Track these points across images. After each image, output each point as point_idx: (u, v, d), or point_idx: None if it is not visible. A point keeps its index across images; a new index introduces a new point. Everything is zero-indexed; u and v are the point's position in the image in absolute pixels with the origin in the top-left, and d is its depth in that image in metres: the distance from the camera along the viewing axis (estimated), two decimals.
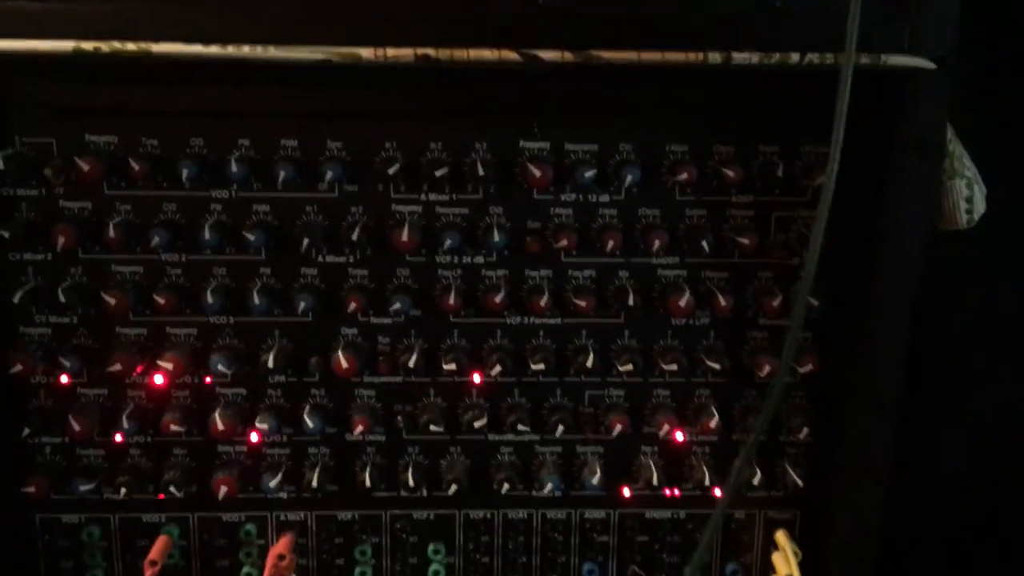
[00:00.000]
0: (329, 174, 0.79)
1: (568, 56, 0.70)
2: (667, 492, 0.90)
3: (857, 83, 0.71)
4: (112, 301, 0.80)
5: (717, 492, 0.89)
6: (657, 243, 0.81)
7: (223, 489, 0.85)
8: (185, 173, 0.78)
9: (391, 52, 0.70)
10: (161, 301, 0.81)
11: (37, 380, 0.85)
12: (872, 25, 0.69)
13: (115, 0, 0.69)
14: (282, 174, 0.78)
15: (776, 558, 0.91)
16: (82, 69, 0.75)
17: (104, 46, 0.69)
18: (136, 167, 0.78)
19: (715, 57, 0.70)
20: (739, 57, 0.70)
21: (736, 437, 0.89)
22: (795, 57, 0.71)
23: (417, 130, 0.81)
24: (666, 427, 0.86)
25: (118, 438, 0.86)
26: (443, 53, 0.70)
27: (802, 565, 0.88)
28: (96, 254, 0.82)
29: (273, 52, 0.69)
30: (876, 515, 0.86)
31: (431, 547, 0.92)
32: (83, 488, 0.85)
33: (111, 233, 0.79)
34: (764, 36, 0.71)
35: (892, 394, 0.82)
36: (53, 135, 0.79)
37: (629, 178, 0.80)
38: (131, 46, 0.68)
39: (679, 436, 0.88)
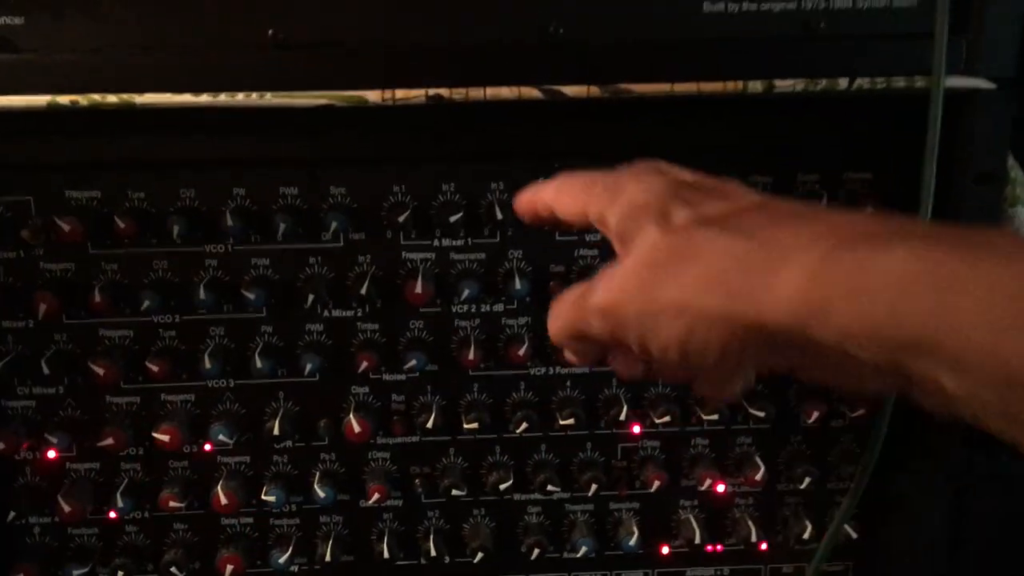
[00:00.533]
0: (333, 223, 0.72)
1: (594, 91, 0.64)
2: (708, 548, 0.83)
3: (909, 106, 0.65)
4: (101, 370, 0.73)
5: (763, 546, 0.82)
6: None
7: (229, 568, 0.78)
8: (176, 228, 0.71)
9: (400, 94, 0.63)
10: (155, 367, 0.74)
11: (22, 457, 0.78)
12: (928, 44, 0.63)
13: (93, 49, 0.62)
14: (282, 225, 0.72)
15: None
16: (59, 122, 0.68)
17: (82, 99, 0.62)
18: (122, 224, 0.71)
19: (756, 86, 0.64)
20: (782, 85, 0.64)
21: (782, 487, 0.83)
22: (843, 83, 0.65)
23: (428, 172, 0.74)
24: (708, 481, 0.79)
25: (112, 515, 0.79)
26: (457, 93, 0.63)
27: None
28: (82, 319, 0.75)
29: (271, 99, 0.62)
30: (939, 566, 0.80)
31: None
32: (77, 572, 0.78)
33: (97, 296, 0.72)
34: (808, 62, 0.65)
35: (953, 437, 0.76)
36: (30, 192, 0.73)
37: None
38: (112, 98, 0.62)
39: (720, 488, 0.81)
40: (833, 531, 0.66)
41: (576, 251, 0.77)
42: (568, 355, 0.56)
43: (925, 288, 0.37)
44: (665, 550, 0.84)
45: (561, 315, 0.52)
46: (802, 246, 0.42)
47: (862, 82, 0.64)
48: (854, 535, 0.81)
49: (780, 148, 0.75)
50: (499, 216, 0.72)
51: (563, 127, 0.71)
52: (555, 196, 0.57)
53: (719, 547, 0.84)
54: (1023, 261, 0.36)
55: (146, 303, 0.72)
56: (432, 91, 0.63)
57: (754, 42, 0.65)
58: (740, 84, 0.64)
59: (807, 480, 0.80)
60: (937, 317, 0.36)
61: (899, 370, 0.39)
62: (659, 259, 0.46)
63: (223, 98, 0.63)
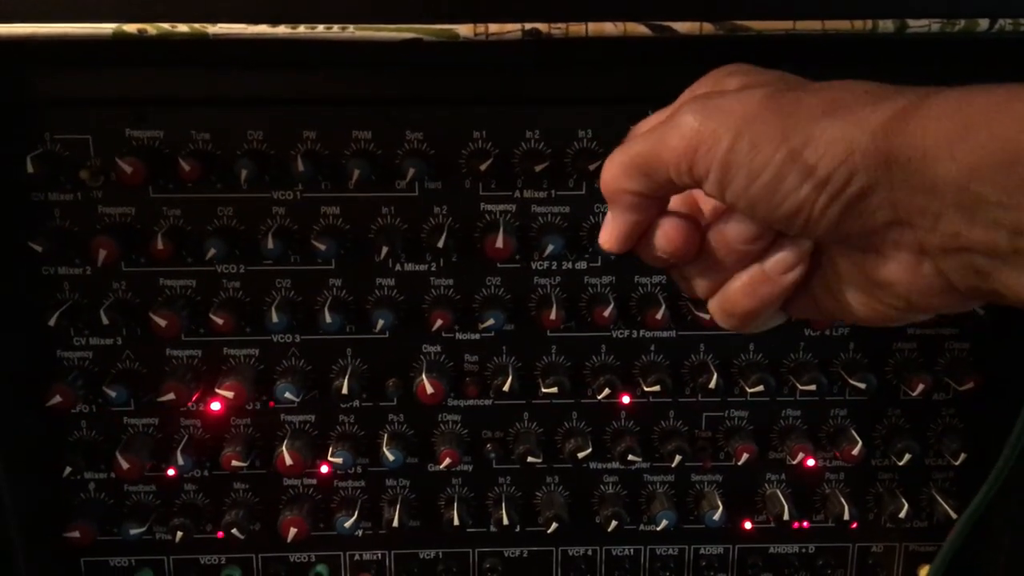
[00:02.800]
0: (409, 170, 0.67)
1: (707, 28, 0.58)
2: (795, 524, 0.79)
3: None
4: (162, 321, 0.69)
5: (854, 525, 0.78)
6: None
7: (292, 531, 0.74)
8: (242, 172, 0.67)
9: (494, 28, 0.58)
10: (218, 320, 0.70)
11: (78, 410, 0.74)
12: None
13: None
14: (355, 171, 0.67)
15: None
16: (124, 53, 0.64)
17: (151, 28, 0.57)
18: (186, 166, 0.66)
19: (887, 26, 0.58)
20: (916, 25, 0.58)
21: (876, 462, 0.78)
22: (983, 24, 0.58)
23: (512, 117, 0.69)
24: (800, 455, 0.74)
25: (171, 474, 0.75)
26: (556, 28, 0.58)
27: None
28: (142, 267, 0.71)
29: (354, 32, 0.57)
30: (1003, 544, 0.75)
31: None
32: (133, 532, 0.75)
33: (158, 243, 0.68)
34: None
35: None
36: (89, 131, 0.68)
37: None
38: (183, 28, 0.57)
39: (811, 462, 0.76)
40: (972, 511, 0.61)
41: None
42: (609, 220, 0.47)
43: None
44: (748, 525, 0.79)
45: (632, 142, 0.45)
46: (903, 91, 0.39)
47: (1005, 23, 0.58)
48: (953, 515, 0.76)
49: None
50: (586, 166, 0.67)
51: (667, 70, 0.65)
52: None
53: (806, 524, 0.79)
54: None
55: (210, 251, 0.68)
56: (529, 25, 0.58)
57: None
58: (869, 23, 0.58)
59: (907, 456, 0.74)
60: None
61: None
62: (784, 88, 0.42)
63: (302, 30, 0.57)
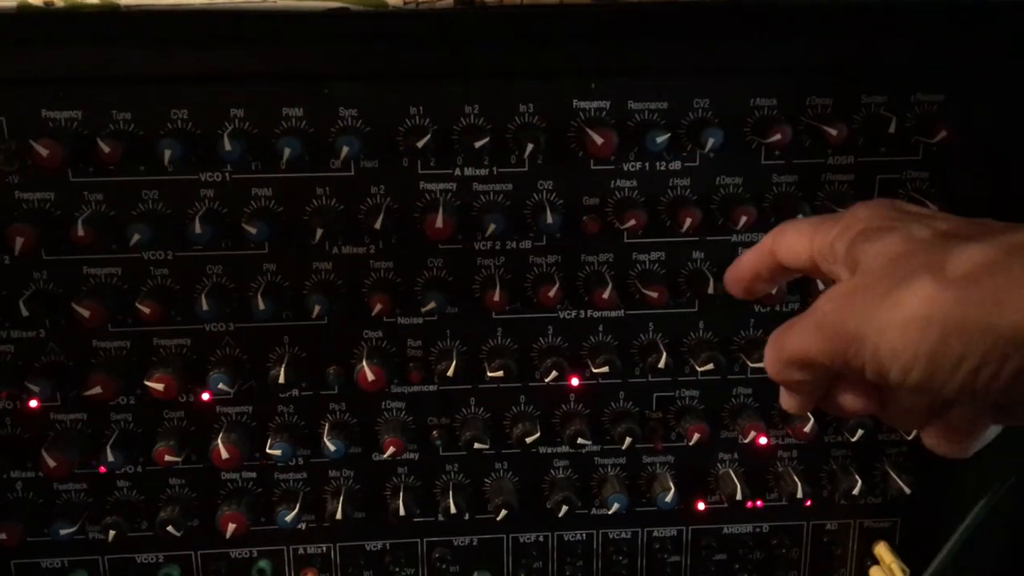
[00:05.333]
0: (344, 149, 0.64)
1: None
2: (748, 504, 0.77)
3: (988, 15, 0.58)
4: (85, 312, 0.65)
5: (808, 503, 0.77)
6: (743, 219, 0.67)
7: (231, 527, 0.72)
8: (167, 154, 0.63)
9: None
10: (146, 309, 0.66)
11: (1, 406, 0.70)
12: None
13: None
14: (286, 151, 0.64)
15: (876, 574, 0.79)
16: (32, 28, 0.60)
17: (58, 0, 0.53)
18: (106, 148, 0.63)
19: None
20: None
21: (829, 439, 0.77)
22: None
23: (450, 92, 0.66)
24: (752, 433, 0.73)
25: (102, 470, 0.72)
26: None
27: None
28: (64, 255, 0.68)
29: (276, 2, 0.54)
30: (997, 533, 0.74)
31: None
32: (64, 532, 0.71)
33: (80, 229, 0.64)
34: None
35: None
36: (2, 112, 0.64)
37: (710, 141, 0.65)
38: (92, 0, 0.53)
39: (763, 440, 0.75)
40: (978, 512, 0.59)
41: (613, 182, 0.69)
42: (785, 396, 0.51)
43: None
44: (701, 506, 0.78)
45: (783, 338, 0.48)
46: None
47: None
48: (907, 490, 0.75)
49: (842, 66, 0.68)
50: (528, 142, 0.65)
51: (606, 41, 0.64)
52: (777, 239, 0.55)
53: (759, 503, 0.78)
54: None
55: (135, 237, 0.64)
56: None
57: None
58: None
59: (860, 432, 0.73)
60: None
61: None
62: (903, 269, 0.42)
63: (220, 0, 0.54)
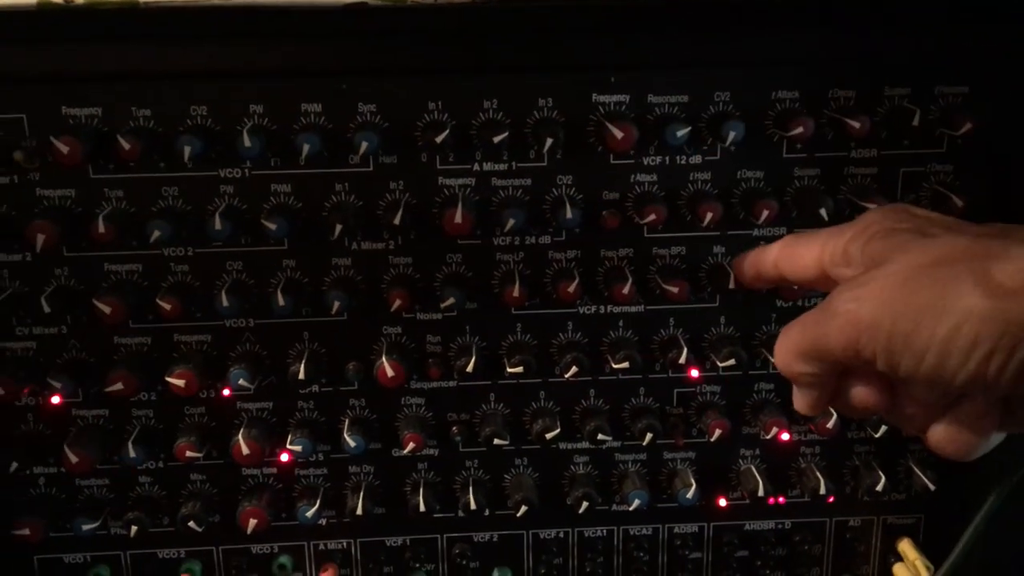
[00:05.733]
0: (363, 144, 0.64)
1: None
2: (770, 500, 0.77)
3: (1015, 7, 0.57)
4: (107, 308, 0.66)
5: (831, 499, 0.76)
6: (764, 213, 0.67)
7: (252, 522, 0.72)
8: (187, 150, 0.63)
9: None
10: (166, 305, 0.66)
11: (23, 402, 0.71)
12: None
13: None
14: (305, 147, 0.64)
15: (900, 571, 0.78)
16: (52, 26, 0.60)
17: None
18: (126, 145, 0.63)
19: None
20: None
21: (852, 435, 0.76)
22: None
23: (469, 87, 0.66)
24: (773, 429, 0.72)
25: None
26: None
27: None
28: (84, 251, 0.68)
29: None
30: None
31: (496, 573, 0.79)
32: (86, 527, 0.72)
33: (100, 226, 0.64)
34: None
35: None
36: (22, 109, 0.64)
37: (731, 134, 0.65)
38: None
39: (785, 436, 0.74)
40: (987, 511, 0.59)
41: (632, 176, 0.69)
42: (797, 395, 0.52)
43: None
44: (723, 503, 0.77)
45: (794, 331, 0.49)
46: None
47: None
48: (932, 487, 0.74)
49: (865, 58, 0.67)
50: (547, 136, 0.64)
51: (625, 34, 0.63)
52: (783, 251, 0.57)
53: (782, 499, 0.78)
54: None
55: (155, 234, 0.65)
56: None
57: None
58: None
59: (883, 428, 0.73)
60: None
61: None
62: (921, 263, 0.44)
63: None
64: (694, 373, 0.73)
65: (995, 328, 0.40)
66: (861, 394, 0.49)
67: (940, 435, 0.48)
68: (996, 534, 0.70)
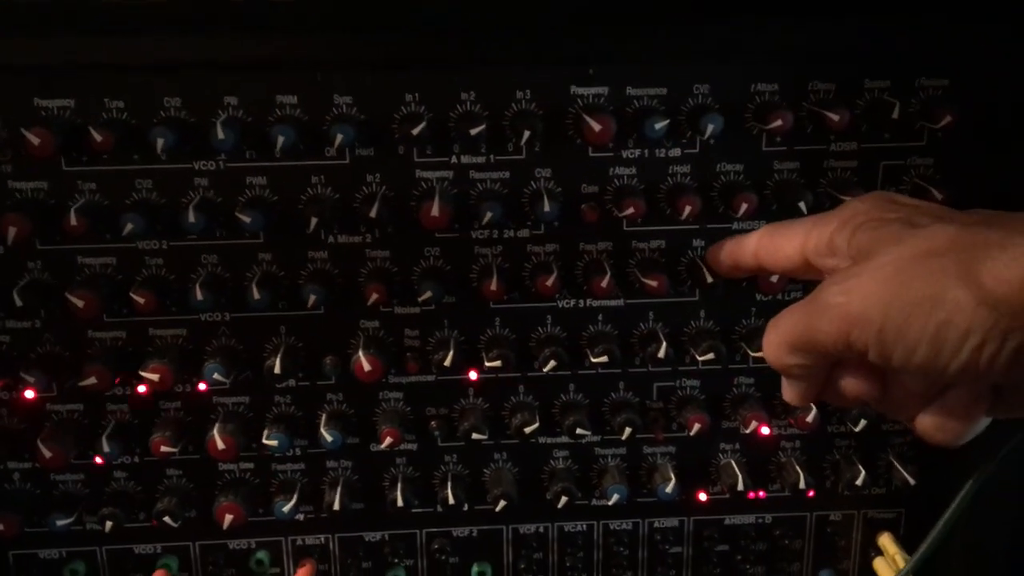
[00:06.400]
0: (339, 137, 0.63)
1: None
2: (750, 494, 0.76)
3: None
4: (79, 302, 0.65)
5: (811, 493, 0.76)
6: (743, 206, 0.66)
7: (228, 518, 0.71)
8: (160, 142, 0.63)
9: None
10: (140, 299, 0.66)
11: None
12: None
13: None
14: (280, 139, 0.63)
15: (880, 565, 0.78)
16: (20, 18, 0.59)
17: None
18: (98, 137, 0.62)
19: None
20: None
21: (832, 429, 0.76)
22: None
23: (446, 78, 0.65)
24: (753, 423, 0.72)
25: (99, 461, 0.72)
26: None
27: None
28: (57, 245, 0.67)
29: None
30: (1006, 517, 0.73)
31: (475, 568, 0.79)
32: (60, 523, 0.71)
33: (73, 219, 0.63)
34: None
35: None
36: None
37: (710, 127, 0.64)
38: None
39: (765, 431, 0.74)
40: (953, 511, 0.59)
41: (612, 169, 0.68)
42: (787, 386, 0.52)
43: None
44: (703, 497, 0.77)
45: (784, 322, 0.49)
46: None
47: None
48: (912, 481, 0.74)
49: (845, 51, 0.66)
50: (525, 128, 0.64)
51: (604, 26, 0.63)
52: (763, 242, 0.57)
53: (762, 494, 0.77)
54: None
55: (129, 227, 0.64)
56: None
57: None
58: None
59: (863, 422, 0.72)
60: None
61: None
62: (910, 254, 0.44)
63: None
64: (674, 368, 0.73)
65: (986, 318, 0.40)
66: (852, 384, 0.49)
67: (930, 422, 0.48)
68: (977, 516, 0.70)
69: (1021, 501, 0.74)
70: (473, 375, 0.72)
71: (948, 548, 0.75)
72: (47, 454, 0.68)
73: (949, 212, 0.48)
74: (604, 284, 0.67)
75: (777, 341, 0.50)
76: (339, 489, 0.73)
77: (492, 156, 0.68)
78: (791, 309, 0.49)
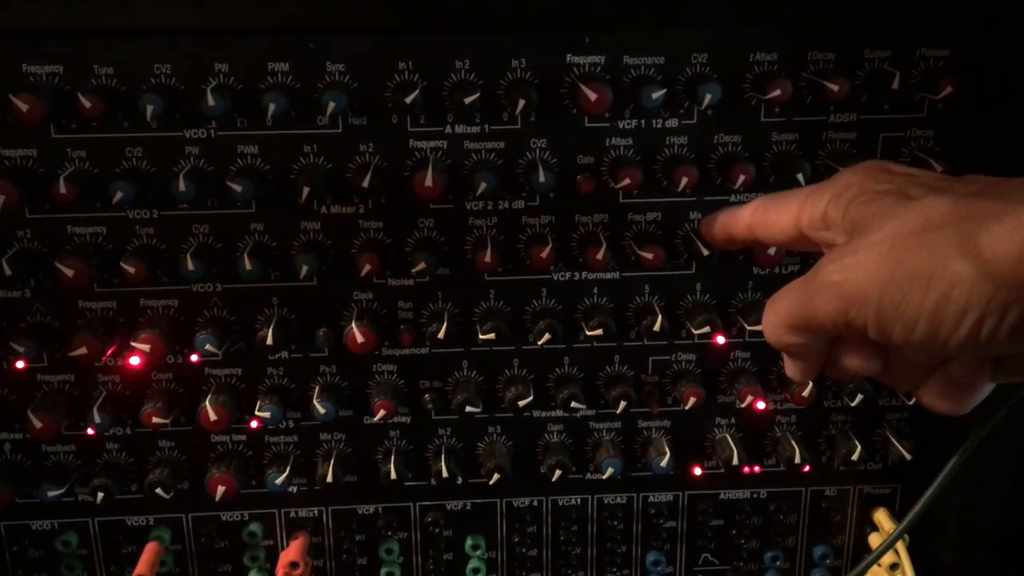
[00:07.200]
0: (331, 105, 0.62)
1: None
2: (745, 469, 0.76)
3: None
4: (69, 271, 0.64)
5: (806, 468, 0.75)
6: (741, 178, 0.65)
7: (221, 489, 0.71)
8: (150, 109, 0.62)
9: None
10: (131, 269, 0.65)
11: None
12: None
13: None
14: (272, 107, 0.62)
15: (875, 540, 0.78)
16: None
17: None
18: (87, 103, 0.61)
19: None
20: None
21: (829, 404, 0.75)
22: None
23: (439, 46, 0.64)
24: (748, 398, 0.71)
25: (90, 432, 0.71)
26: None
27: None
28: (47, 213, 0.66)
29: None
30: (998, 491, 0.73)
31: (469, 541, 0.78)
32: (52, 494, 0.71)
33: (62, 187, 0.63)
34: None
35: None
36: None
37: (707, 97, 0.63)
38: None
39: (761, 405, 0.73)
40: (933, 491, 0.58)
41: (608, 139, 0.67)
42: (789, 363, 0.52)
43: None
44: (698, 472, 0.77)
45: (782, 302, 0.48)
46: None
47: None
48: (908, 456, 0.74)
49: (845, 20, 0.65)
50: (520, 98, 0.63)
51: None
52: (756, 214, 0.56)
53: (757, 468, 0.77)
54: None
55: (119, 195, 0.63)
56: None
57: None
58: None
59: (859, 397, 0.72)
60: None
61: None
62: (906, 230, 0.43)
63: None
64: (670, 341, 0.72)
65: (985, 292, 0.40)
66: (854, 360, 0.49)
67: (934, 393, 0.48)
68: (969, 492, 0.70)
69: (1015, 475, 0.74)
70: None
71: (942, 523, 0.75)
72: (38, 424, 0.67)
73: (944, 181, 0.47)
74: (599, 256, 0.66)
75: (776, 321, 0.49)
76: (332, 462, 0.72)
77: (487, 126, 0.67)
78: (789, 288, 0.49)
